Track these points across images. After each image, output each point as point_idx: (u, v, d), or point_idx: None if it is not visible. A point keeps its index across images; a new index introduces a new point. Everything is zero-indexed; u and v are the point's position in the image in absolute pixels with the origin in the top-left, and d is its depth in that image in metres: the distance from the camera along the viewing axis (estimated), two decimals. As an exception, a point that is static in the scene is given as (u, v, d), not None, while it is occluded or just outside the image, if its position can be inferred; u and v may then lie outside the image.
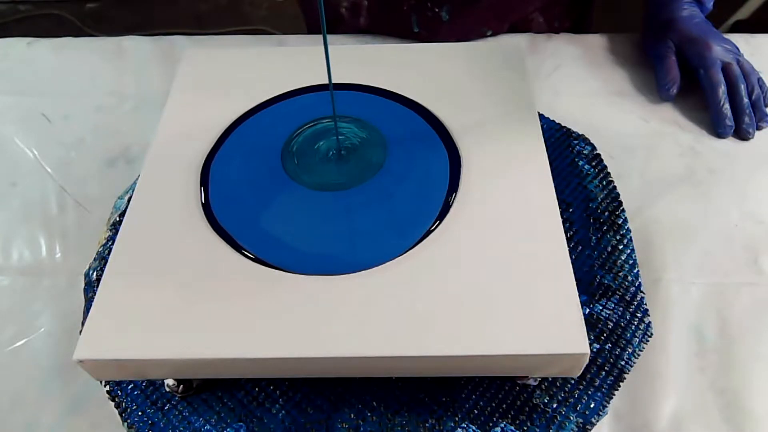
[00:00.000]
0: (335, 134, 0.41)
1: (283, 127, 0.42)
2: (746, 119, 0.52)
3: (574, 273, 0.33)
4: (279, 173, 0.40)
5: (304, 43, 0.61)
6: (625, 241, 0.44)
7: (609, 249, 0.43)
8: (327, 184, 0.39)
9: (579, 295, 0.32)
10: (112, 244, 0.37)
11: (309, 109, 0.43)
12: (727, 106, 0.52)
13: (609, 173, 0.48)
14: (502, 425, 0.36)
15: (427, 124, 0.42)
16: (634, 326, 0.40)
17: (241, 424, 0.36)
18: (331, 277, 0.34)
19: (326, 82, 0.38)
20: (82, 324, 0.41)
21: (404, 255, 0.35)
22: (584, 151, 0.49)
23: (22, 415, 0.39)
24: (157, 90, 0.57)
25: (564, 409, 0.37)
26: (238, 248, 0.35)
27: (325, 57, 0.36)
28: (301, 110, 0.43)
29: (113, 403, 0.38)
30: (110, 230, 0.45)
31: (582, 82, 0.57)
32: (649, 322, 0.40)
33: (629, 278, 0.42)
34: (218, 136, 0.42)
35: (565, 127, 0.51)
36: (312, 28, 0.74)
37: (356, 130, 0.42)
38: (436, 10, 0.61)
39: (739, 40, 0.57)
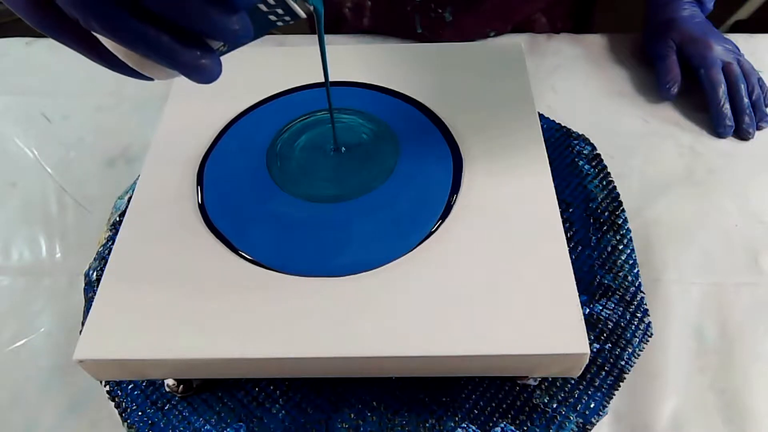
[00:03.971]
0: (333, 137, 0.40)
1: (283, 125, 0.42)
2: (746, 119, 0.52)
3: (574, 273, 0.33)
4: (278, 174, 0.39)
5: (304, 43, 0.61)
6: (625, 241, 0.44)
7: (609, 249, 0.43)
8: (330, 196, 0.38)
9: (579, 295, 0.32)
10: (112, 244, 0.37)
11: (309, 108, 0.43)
12: (727, 106, 0.52)
13: (609, 173, 0.48)
14: (502, 425, 0.36)
15: (429, 123, 0.42)
16: (634, 326, 0.40)
17: (241, 424, 0.36)
18: (331, 278, 0.34)
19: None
20: (82, 324, 0.41)
21: (405, 256, 0.34)
22: (584, 151, 0.49)
23: (22, 415, 0.39)
24: (157, 90, 0.57)
25: (564, 409, 0.37)
26: (236, 250, 0.35)
27: (321, 47, 0.35)
28: (301, 108, 0.43)
29: (113, 403, 0.38)
30: (110, 230, 0.45)
31: (582, 82, 0.57)
32: (649, 322, 0.40)
33: (629, 278, 0.42)
34: (217, 136, 0.42)
35: (565, 127, 0.51)
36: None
37: (364, 122, 0.41)
38: (440, 11, 0.61)
39: (739, 39, 0.57)
